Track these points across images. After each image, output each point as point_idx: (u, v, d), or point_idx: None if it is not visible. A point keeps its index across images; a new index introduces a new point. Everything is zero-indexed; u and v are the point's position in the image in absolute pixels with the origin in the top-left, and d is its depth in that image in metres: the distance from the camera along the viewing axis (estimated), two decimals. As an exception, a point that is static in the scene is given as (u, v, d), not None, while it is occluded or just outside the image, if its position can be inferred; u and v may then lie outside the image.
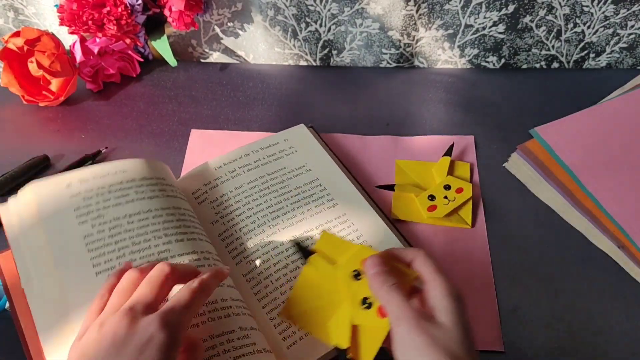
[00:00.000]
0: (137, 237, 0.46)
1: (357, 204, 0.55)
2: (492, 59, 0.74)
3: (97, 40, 0.67)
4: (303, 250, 0.46)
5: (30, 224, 0.46)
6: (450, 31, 0.71)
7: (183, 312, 0.37)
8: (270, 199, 0.55)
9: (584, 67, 0.75)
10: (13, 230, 0.46)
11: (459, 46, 0.73)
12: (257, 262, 0.51)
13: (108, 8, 0.65)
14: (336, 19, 0.71)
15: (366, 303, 0.40)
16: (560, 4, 0.67)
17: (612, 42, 0.71)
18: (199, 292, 0.39)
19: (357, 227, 0.53)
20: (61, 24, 0.66)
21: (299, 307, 0.43)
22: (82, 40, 0.68)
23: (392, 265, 0.40)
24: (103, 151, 0.64)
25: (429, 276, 0.39)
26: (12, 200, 0.48)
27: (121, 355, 0.35)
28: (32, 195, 0.47)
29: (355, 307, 0.40)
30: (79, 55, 0.67)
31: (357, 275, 0.41)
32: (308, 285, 0.43)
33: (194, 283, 0.39)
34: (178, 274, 0.40)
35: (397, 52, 0.73)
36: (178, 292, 0.38)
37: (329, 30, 0.72)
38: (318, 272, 0.42)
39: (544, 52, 0.73)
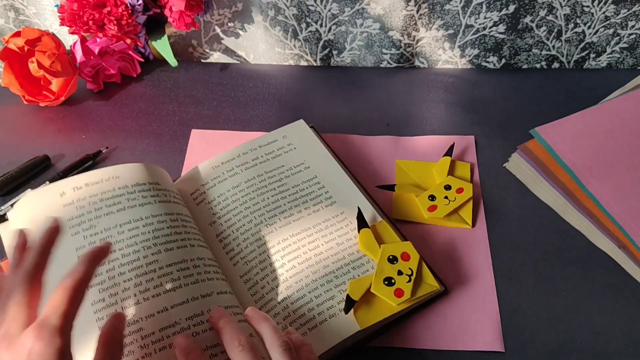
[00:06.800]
0: (127, 248, 0.46)
1: (355, 201, 0.55)
2: (493, 59, 0.74)
3: (98, 40, 0.67)
4: (361, 221, 0.52)
5: None
6: (451, 31, 0.71)
7: (61, 316, 0.33)
8: (268, 198, 0.55)
9: (584, 67, 0.75)
10: (10, 243, 0.45)
11: (459, 46, 0.73)
12: (254, 262, 0.50)
13: (109, 8, 0.65)
14: (337, 19, 0.71)
15: (389, 281, 0.48)
16: (560, 4, 0.67)
17: (612, 42, 0.71)
18: (76, 289, 0.35)
19: (354, 225, 0.53)
20: (62, 24, 0.66)
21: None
22: (83, 41, 0.68)
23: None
24: (104, 151, 0.64)
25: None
26: (10, 214, 0.48)
27: None
28: (26, 206, 0.47)
29: (379, 280, 0.48)
30: (79, 55, 0.67)
31: (392, 259, 0.49)
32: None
33: (66, 281, 0.35)
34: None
35: (397, 52, 0.73)
36: (53, 295, 0.35)
37: (330, 30, 0.72)
38: (364, 244, 0.51)
39: (544, 52, 0.73)
